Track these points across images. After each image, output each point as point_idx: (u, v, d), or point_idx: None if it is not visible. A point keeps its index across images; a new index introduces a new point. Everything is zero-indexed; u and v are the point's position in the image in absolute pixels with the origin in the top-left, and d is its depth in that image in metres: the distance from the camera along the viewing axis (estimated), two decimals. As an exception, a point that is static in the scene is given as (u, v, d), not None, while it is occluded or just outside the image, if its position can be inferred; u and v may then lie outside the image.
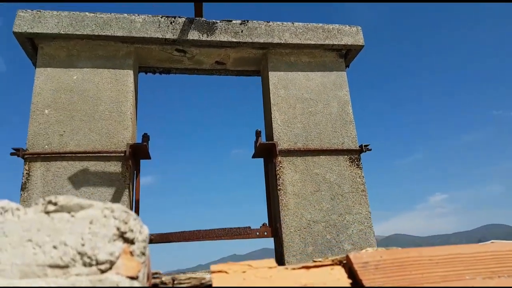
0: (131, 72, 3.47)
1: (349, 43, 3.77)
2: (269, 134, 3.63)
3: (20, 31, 3.32)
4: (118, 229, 0.80)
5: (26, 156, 3.18)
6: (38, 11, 3.39)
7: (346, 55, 3.89)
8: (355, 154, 3.51)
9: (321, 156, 3.46)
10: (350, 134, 3.60)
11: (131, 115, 3.37)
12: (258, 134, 3.58)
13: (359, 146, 3.53)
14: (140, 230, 0.84)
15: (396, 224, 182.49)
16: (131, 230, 0.81)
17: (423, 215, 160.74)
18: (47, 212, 0.82)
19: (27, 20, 3.35)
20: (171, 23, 3.52)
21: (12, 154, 3.28)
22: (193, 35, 3.54)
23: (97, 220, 0.81)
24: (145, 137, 3.40)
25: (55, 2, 77.24)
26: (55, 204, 0.82)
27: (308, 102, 3.66)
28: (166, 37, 3.48)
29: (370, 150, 3.50)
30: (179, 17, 3.55)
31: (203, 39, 3.55)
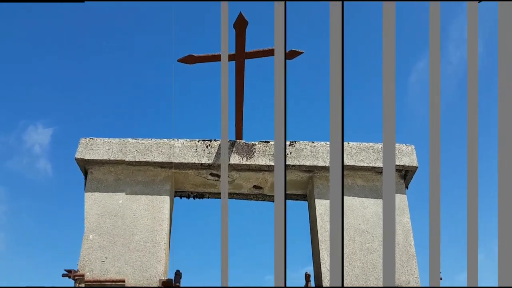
0: (167, 198, 3.37)
1: (406, 164, 3.16)
2: (318, 279, 3.10)
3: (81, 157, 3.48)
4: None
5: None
6: (90, 138, 3.56)
7: (405, 176, 3.20)
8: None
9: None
10: (413, 273, 2.98)
11: (165, 245, 3.23)
12: (307, 278, 3.10)
13: (423, 291, 2.77)
14: None
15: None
16: None
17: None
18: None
19: (81, 147, 3.53)
20: (207, 146, 3.34)
21: (64, 275, 3.43)
22: (232, 159, 3.27)
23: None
24: (177, 275, 3.19)
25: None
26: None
27: (364, 236, 3.03)
28: (202, 161, 3.30)
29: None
30: (215, 140, 3.35)
31: (243, 163, 3.26)
